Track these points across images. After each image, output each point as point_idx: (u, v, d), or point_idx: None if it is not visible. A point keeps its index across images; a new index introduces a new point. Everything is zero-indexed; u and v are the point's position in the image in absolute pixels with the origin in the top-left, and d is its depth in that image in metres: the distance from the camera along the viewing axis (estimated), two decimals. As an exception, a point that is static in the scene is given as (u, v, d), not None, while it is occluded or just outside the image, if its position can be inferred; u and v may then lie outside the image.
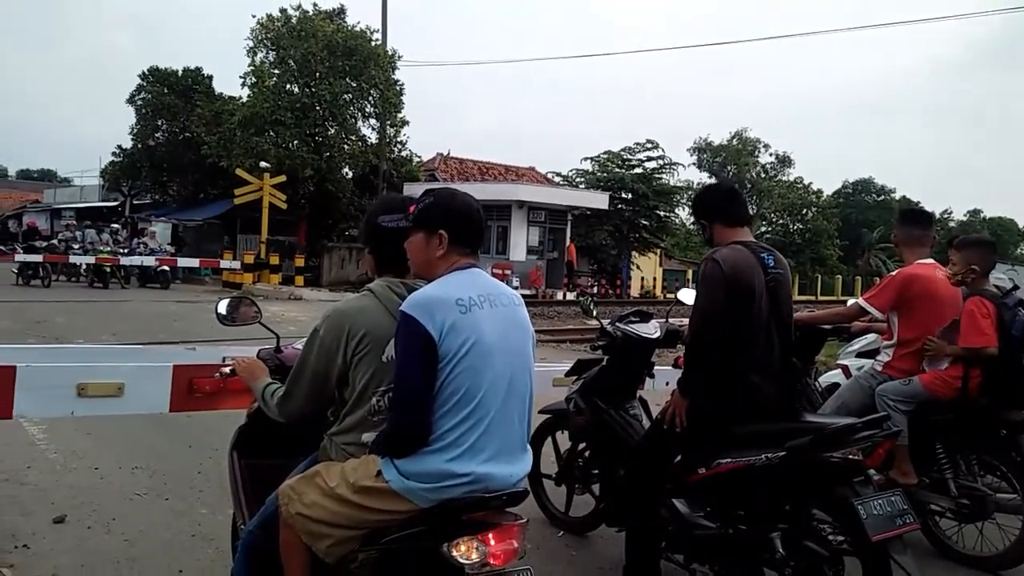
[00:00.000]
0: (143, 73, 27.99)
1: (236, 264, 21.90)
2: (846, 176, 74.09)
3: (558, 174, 33.90)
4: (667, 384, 4.21)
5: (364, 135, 25.55)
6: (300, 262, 22.57)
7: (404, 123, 26.00)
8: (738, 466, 2.92)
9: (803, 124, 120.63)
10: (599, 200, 27.35)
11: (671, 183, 32.10)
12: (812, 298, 35.01)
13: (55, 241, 21.57)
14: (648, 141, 31.63)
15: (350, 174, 26.06)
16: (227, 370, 2.73)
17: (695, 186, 42.46)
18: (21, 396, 2.80)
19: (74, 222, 26.02)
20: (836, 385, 4.82)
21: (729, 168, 51.22)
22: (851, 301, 5.03)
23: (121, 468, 4.68)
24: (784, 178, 53.17)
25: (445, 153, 32.52)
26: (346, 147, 24.64)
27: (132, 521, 3.86)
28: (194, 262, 22.65)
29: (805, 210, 50.09)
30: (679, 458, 3.15)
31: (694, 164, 51.65)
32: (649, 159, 31.59)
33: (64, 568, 3.31)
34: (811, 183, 52.70)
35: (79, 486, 4.33)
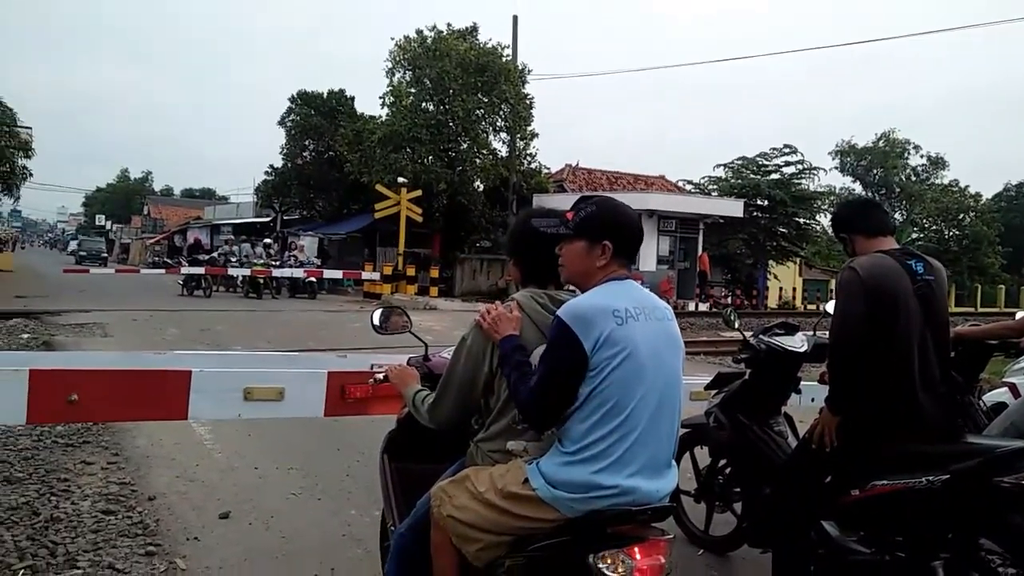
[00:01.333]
0: (292, 96, 29.84)
1: (376, 275, 22.87)
2: (1008, 178, 67.90)
3: (689, 182, 33.17)
4: (813, 400, 4.04)
5: (495, 149, 26.07)
6: (434, 273, 23.27)
7: (533, 136, 26.32)
8: (896, 489, 2.75)
9: (957, 124, 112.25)
10: (733, 207, 26.54)
11: (811, 188, 30.63)
12: (971, 310, 32.40)
13: (215, 255, 23.32)
14: (786, 146, 30.38)
15: (481, 187, 26.63)
16: (380, 376, 2.86)
17: (838, 191, 40.35)
18: (195, 399, 3.05)
19: (231, 237, 28.07)
20: (1002, 405, 4.43)
21: (875, 171, 48.32)
22: (1020, 314, 4.63)
23: (278, 468, 5.00)
24: (937, 181, 49.53)
25: (573, 164, 32.59)
26: (478, 161, 25.22)
27: (289, 519, 4.11)
28: (338, 274, 23.86)
29: (962, 215, 46.41)
30: (829, 478, 3.01)
31: (836, 168, 49.08)
32: (787, 164, 30.32)
33: (229, 561, 3.56)
34: (967, 186, 48.81)
35: (242, 484, 4.66)
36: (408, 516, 2.47)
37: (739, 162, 31.05)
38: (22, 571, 3.25)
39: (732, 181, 30.53)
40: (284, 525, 4.02)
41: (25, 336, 10.58)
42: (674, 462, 2.12)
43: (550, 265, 2.30)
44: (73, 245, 65.35)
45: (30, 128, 19.02)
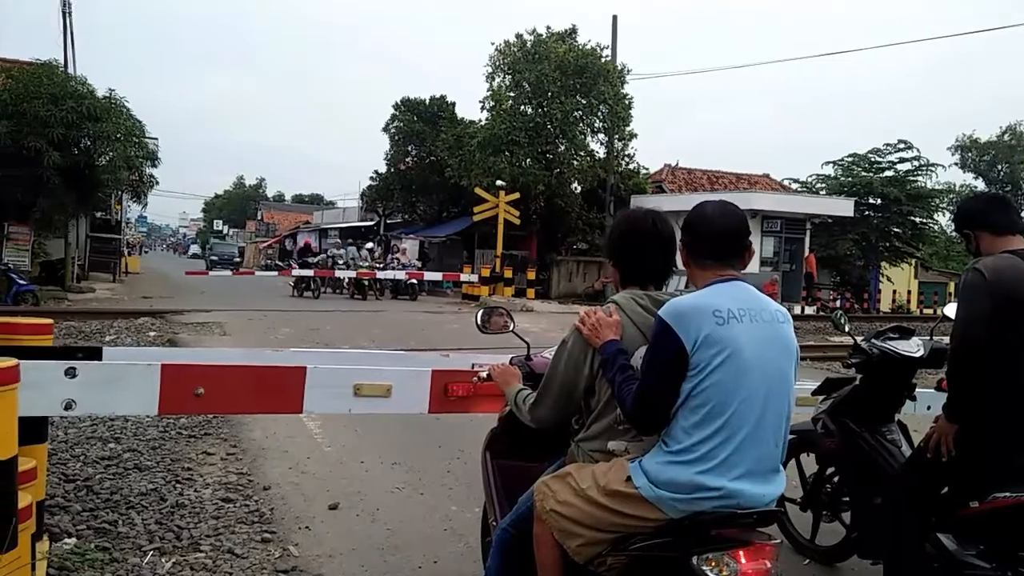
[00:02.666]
0: (396, 104, 30.71)
1: (474, 277, 23.23)
2: None
3: (795, 180, 32.01)
4: (929, 408, 3.86)
5: (592, 150, 25.99)
6: (531, 275, 23.41)
7: (632, 136, 26.07)
8: (1020, 502, 2.60)
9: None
10: (843, 207, 25.44)
11: (928, 186, 28.98)
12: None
13: (323, 258, 24.27)
14: (900, 141, 28.82)
15: (578, 189, 26.59)
16: (483, 375, 2.93)
17: (957, 188, 37.98)
18: (310, 394, 3.20)
19: (338, 240, 29.14)
20: None
21: (999, 167, 45.17)
22: None
23: (383, 463, 5.17)
24: (1072, 177, 45.81)
25: (673, 164, 32.10)
26: (575, 163, 25.20)
27: (393, 512, 4.26)
28: (438, 276, 24.39)
29: (1100, 213, 42.70)
30: (946, 489, 2.87)
31: (956, 164, 46.14)
32: (902, 160, 28.78)
33: (338, 550, 3.72)
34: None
35: (349, 477, 4.86)
36: (510, 512, 2.52)
37: (849, 159, 29.72)
38: (151, 552, 3.51)
39: (842, 179, 29.25)
40: (389, 518, 4.16)
41: (152, 334, 11.35)
42: (782, 467, 2.08)
43: (650, 266, 2.31)
44: (195, 248, 69.27)
45: (157, 139, 20.33)
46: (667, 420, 2.02)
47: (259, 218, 68.88)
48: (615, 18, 25.43)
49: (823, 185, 30.10)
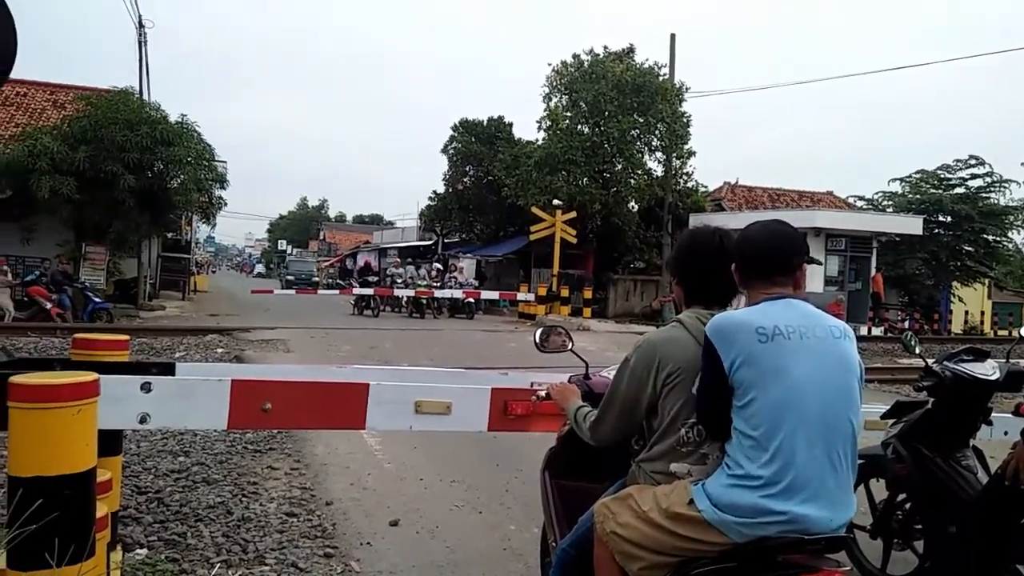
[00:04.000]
0: (454, 125, 31.12)
1: (530, 296, 23.25)
2: None
3: (860, 198, 31.20)
4: (1006, 434, 3.70)
5: (650, 168, 25.84)
6: (588, 294, 23.31)
7: (690, 154, 25.82)
8: None
9: None
10: (911, 225, 24.65)
11: (1001, 203, 27.87)
12: None
13: (386, 274, 24.65)
14: (971, 157, 27.83)
15: (635, 207, 26.45)
16: (542, 393, 2.94)
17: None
18: (372, 410, 3.25)
19: (397, 259, 29.58)
20: None
21: (1082, 181, 43.15)
22: None
23: (442, 480, 5.20)
24: None
25: (732, 182, 31.65)
26: (632, 181, 25.10)
27: (453, 530, 4.28)
28: (494, 295, 24.51)
29: None
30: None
31: (1032, 180, 44.26)
32: (973, 177, 27.78)
33: (399, 567, 3.75)
34: None
35: (409, 494, 4.90)
36: (569, 532, 2.51)
37: (917, 176, 28.82)
38: (219, 565, 3.60)
39: (910, 196, 28.37)
40: (448, 536, 4.18)
41: (220, 350, 11.69)
42: (851, 491, 2.03)
43: (715, 285, 2.29)
44: (260, 268, 71.04)
45: (225, 161, 21.05)
46: (726, 431, 2.00)
47: (321, 238, 70.42)
48: (673, 36, 25.36)
49: (890, 202, 29.25)
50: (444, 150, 31.33)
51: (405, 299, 22.99)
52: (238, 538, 3.91)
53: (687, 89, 25.29)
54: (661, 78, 24.57)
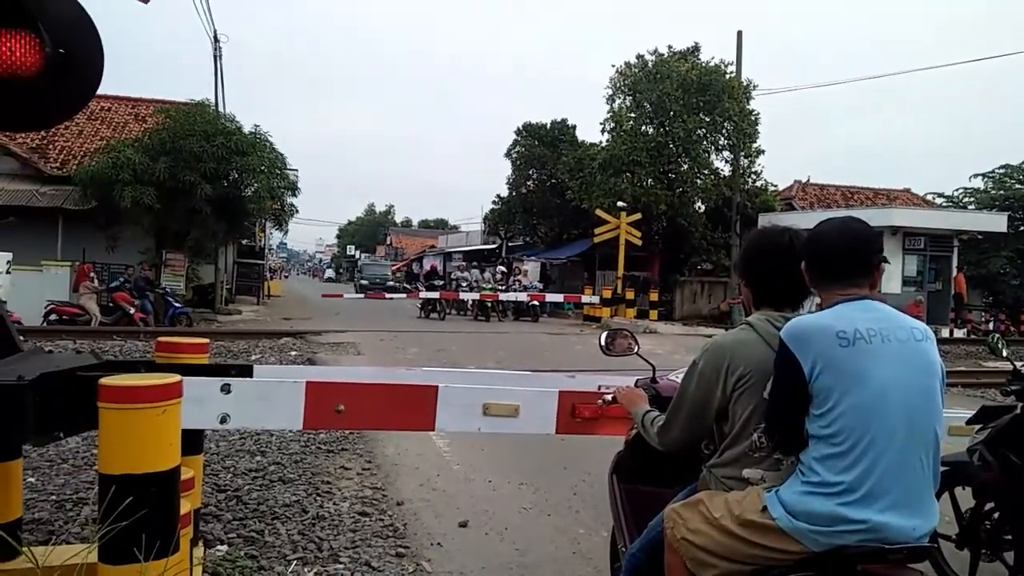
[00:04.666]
0: (518, 129, 31.25)
1: (595, 299, 23.14)
2: None
3: (940, 195, 29.98)
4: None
5: (717, 168, 25.42)
6: (654, 296, 23.06)
7: (759, 153, 25.28)
8: None
9: None
10: (994, 222, 23.54)
11: (1094, 197, 26.34)
12: None
13: (451, 278, 24.92)
14: (1061, 150, 26.44)
15: (702, 208, 26.04)
16: (609, 397, 2.92)
17: None
18: (442, 412, 3.29)
19: (463, 263, 29.85)
20: None
21: None
22: None
23: (510, 483, 5.23)
24: None
25: (803, 180, 30.83)
26: (698, 181, 24.72)
27: (522, 532, 4.30)
28: (559, 297, 24.47)
29: None
30: None
31: None
32: (1061, 170, 26.39)
33: (469, 568, 3.79)
34: None
35: (477, 495, 4.94)
36: (639, 537, 2.49)
37: (1001, 171, 27.51)
38: (295, 562, 3.70)
39: (993, 192, 27.11)
40: (518, 538, 4.20)
41: (293, 353, 12.02)
42: (934, 499, 1.95)
43: (785, 287, 2.23)
44: (330, 272, 72.62)
45: (296, 170, 21.64)
46: (800, 442, 1.95)
47: (388, 243, 71.64)
48: (740, 34, 24.87)
49: (972, 199, 28.02)
50: (508, 154, 31.49)
51: (470, 302, 23.18)
52: (313, 536, 4.01)
53: (755, 86, 24.79)
54: (728, 76, 24.13)
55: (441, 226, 77.55)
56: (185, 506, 2.68)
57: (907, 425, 1.88)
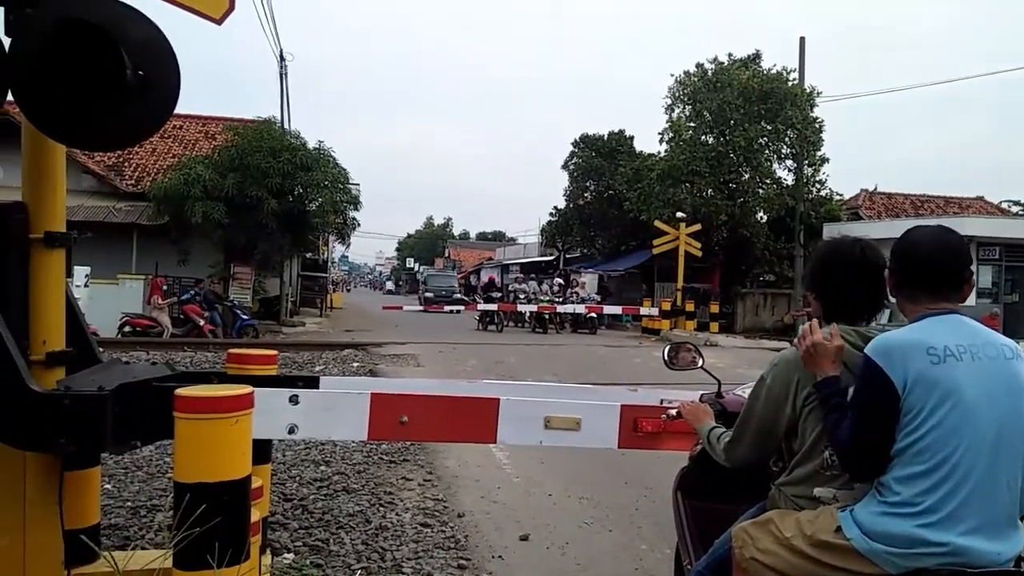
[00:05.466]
0: (575, 140, 31.31)
1: (654, 311, 22.90)
2: None
3: (1016, 203, 28.83)
4: None
5: (779, 177, 24.95)
6: (715, 308, 22.70)
7: (823, 161, 24.72)
8: None
9: None
10: (1077, 230, 22.45)
11: None
12: None
13: (508, 290, 25.01)
14: None
15: (764, 218, 25.58)
16: (673, 412, 2.88)
17: None
18: (503, 424, 3.29)
19: (520, 275, 29.93)
20: None
21: None
22: None
23: (570, 496, 5.20)
24: None
25: (870, 189, 30.00)
26: (760, 191, 24.30)
27: (583, 547, 4.26)
28: (617, 309, 24.30)
29: None
30: None
31: None
32: None
33: (530, 581, 3.79)
34: None
35: (538, 509, 4.93)
36: (705, 555, 2.45)
37: (1084, 176, 26.29)
38: (359, 571, 3.75)
39: (1075, 199, 25.92)
40: (579, 552, 4.17)
41: (355, 364, 12.23)
42: (1019, 523, 1.87)
43: (857, 300, 2.17)
44: (390, 285, 73.65)
45: (358, 184, 22.09)
46: (882, 467, 1.88)
47: (446, 255, 72.35)
48: (803, 40, 24.38)
49: (1051, 206, 26.82)
50: (565, 166, 31.55)
51: (528, 314, 23.20)
52: (376, 546, 4.06)
53: (819, 93, 24.28)
54: (790, 83, 23.70)
55: (498, 238, 77.96)
56: (254, 514, 2.74)
57: (994, 446, 1.80)
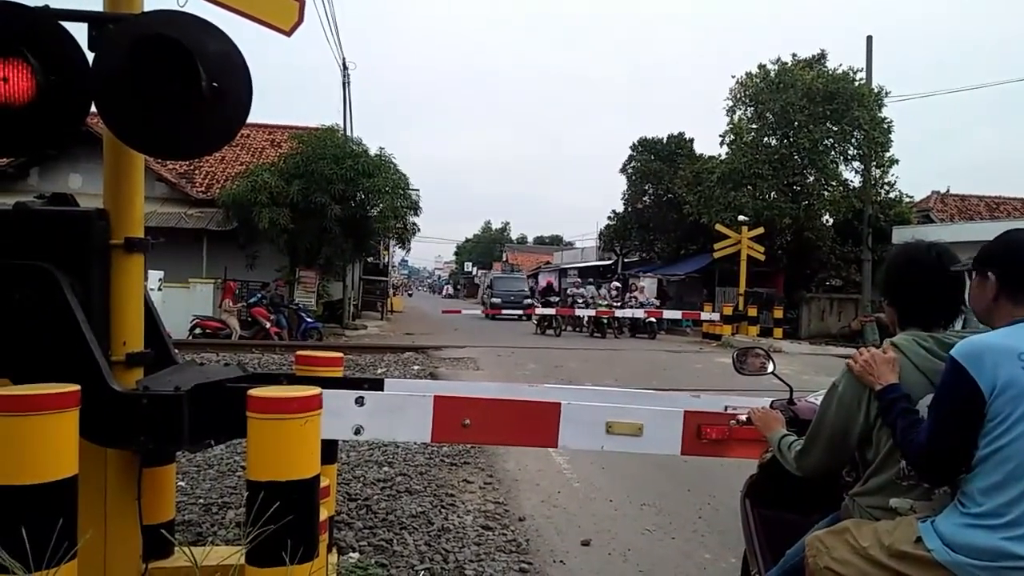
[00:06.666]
0: (633, 144, 31.08)
1: (715, 316, 22.53)
2: None
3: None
4: None
5: (846, 179, 24.29)
6: (778, 313, 22.20)
7: (892, 162, 23.95)
8: None
9: None
10: None
11: None
12: None
13: (566, 294, 24.96)
14: None
15: (830, 221, 24.93)
16: (742, 418, 2.83)
17: None
18: (564, 429, 3.29)
19: (578, 279, 29.82)
20: None
21: None
22: None
23: (631, 503, 5.15)
24: None
25: (942, 191, 28.94)
26: (826, 193, 23.69)
27: (645, 554, 4.21)
28: (677, 314, 23.99)
29: None
30: None
31: None
32: None
33: (593, 586, 3.76)
34: None
35: (599, 515, 4.90)
36: (775, 566, 2.40)
37: None
38: (423, 572, 3.79)
39: None
40: (641, 560, 4.13)
41: (416, 367, 12.38)
42: None
43: (933, 305, 2.10)
44: (449, 289, 74.29)
45: (418, 190, 22.39)
46: (957, 472, 1.81)
47: (504, 259, 72.59)
48: (869, 39, 23.71)
49: None
50: (623, 169, 31.35)
51: (586, 319, 23.09)
52: (439, 547, 4.09)
53: (887, 93, 23.55)
54: (857, 83, 23.05)
55: (556, 242, 77.92)
56: (322, 513, 2.80)
57: None
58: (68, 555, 2.34)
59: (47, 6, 2.80)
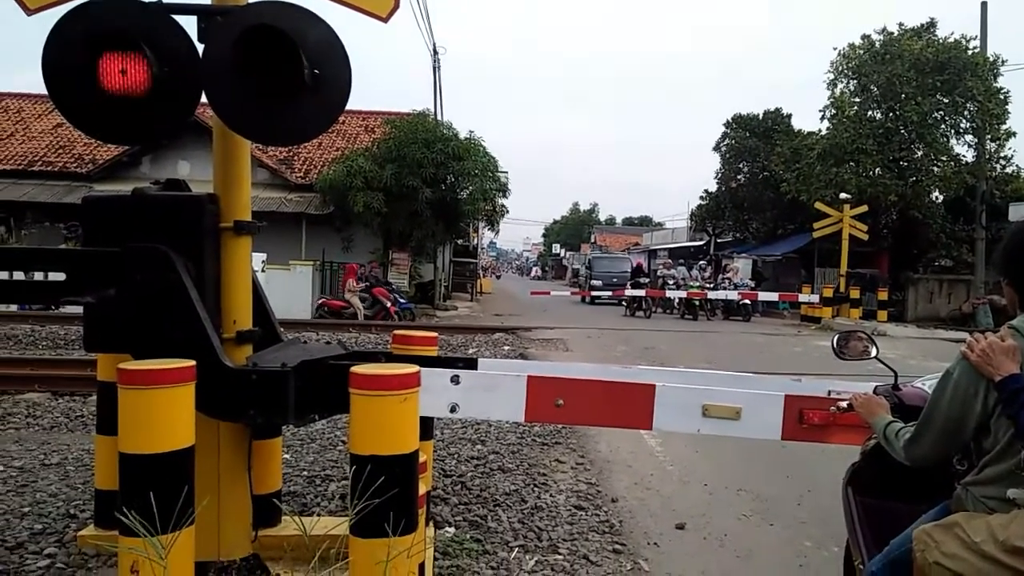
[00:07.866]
0: (727, 121, 30.20)
1: (815, 298, 21.71)
2: None
3: None
4: None
5: (957, 154, 22.84)
6: (882, 295, 21.20)
7: (1009, 135, 22.39)
8: None
9: None
10: None
11: None
12: None
13: (656, 275, 24.59)
14: None
15: (940, 198, 23.58)
16: (843, 404, 2.74)
17: None
18: (659, 411, 3.26)
19: (669, 260, 29.33)
20: None
21: None
22: None
23: (727, 488, 5.06)
24: None
25: (1069, 163, 26.85)
26: (935, 169, 22.37)
27: (742, 540, 4.14)
28: (773, 296, 23.26)
29: None
30: None
31: None
32: None
33: (688, 571, 3.72)
34: None
35: (693, 499, 4.84)
36: (879, 555, 2.32)
37: None
38: (517, 548, 3.84)
39: None
40: (738, 545, 4.06)
41: (506, 348, 12.50)
42: None
43: None
44: (536, 271, 74.50)
45: (507, 172, 22.50)
46: None
47: (592, 241, 72.12)
48: (984, 5, 22.15)
49: None
50: (716, 147, 30.55)
51: (677, 300, 22.70)
52: (532, 525, 4.14)
53: (1003, 62, 21.97)
54: (971, 52, 21.60)
55: (645, 223, 76.80)
56: (421, 488, 2.89)
57: None
58: (187, 520, 2.50)
59: (160, 1, 2.95)
